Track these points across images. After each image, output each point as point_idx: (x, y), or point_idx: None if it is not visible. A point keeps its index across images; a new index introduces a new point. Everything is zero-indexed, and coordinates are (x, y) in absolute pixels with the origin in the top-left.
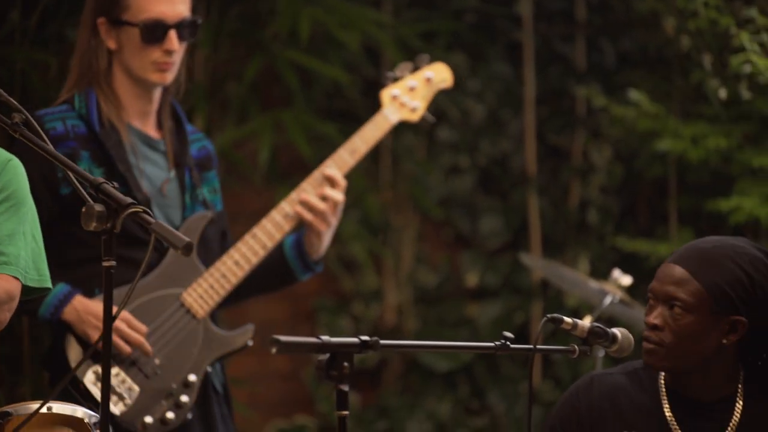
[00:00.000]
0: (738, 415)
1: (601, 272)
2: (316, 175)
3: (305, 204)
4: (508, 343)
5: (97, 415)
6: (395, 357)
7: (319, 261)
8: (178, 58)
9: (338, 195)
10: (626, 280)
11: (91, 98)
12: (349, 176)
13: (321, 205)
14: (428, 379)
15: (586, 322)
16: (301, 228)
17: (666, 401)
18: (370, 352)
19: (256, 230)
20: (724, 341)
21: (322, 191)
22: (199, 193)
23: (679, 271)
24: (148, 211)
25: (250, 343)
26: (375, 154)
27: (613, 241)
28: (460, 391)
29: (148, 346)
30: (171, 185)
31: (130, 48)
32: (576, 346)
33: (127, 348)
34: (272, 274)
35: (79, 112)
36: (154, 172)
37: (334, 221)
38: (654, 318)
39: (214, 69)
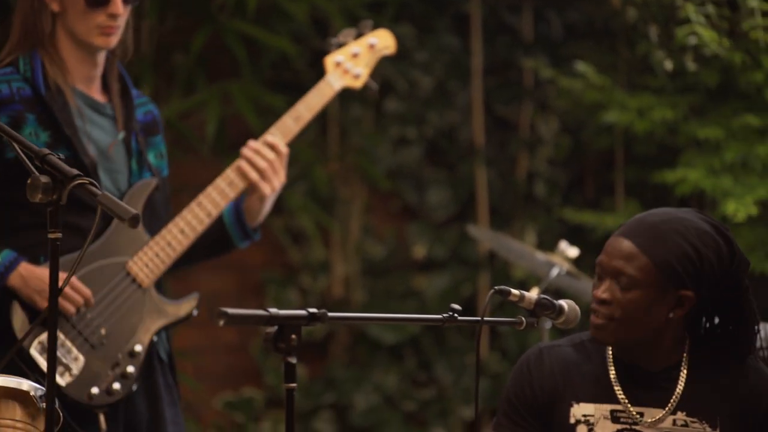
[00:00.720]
0: (683, 383)
1: (548, 244)
2: (260, 141)
3: (249, 160)
4: (455, 315)
5: (43, 388)
6: (342, 329)
7: (257, 229)
8: (122, 21)
9: (279, 159)
10: (573, 251)
11: (36, 61)
12: (297, 148)
13: (262, 163)
14: (375, 351)
15: (533, 293)
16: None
17: (613, 371)
18: (318, 324)
19: (202, 198)
20: (671, 315)
21: (264, 154)
22: (145, 158)
23: (627, 245)
24: (95, 183)
25: (195, 312)
26: (323, 125)
27: (560, 212)
28: (407, 363)
29: (92, 300)
30: (117, 149)
31: (73, 11)
32: (523, 318)
33: (71, 308)
34: (210, 241)
35: (24, 74)
36: (100, 136)
37: (277, 184)
38: (602, 292)
39: (160, 40)
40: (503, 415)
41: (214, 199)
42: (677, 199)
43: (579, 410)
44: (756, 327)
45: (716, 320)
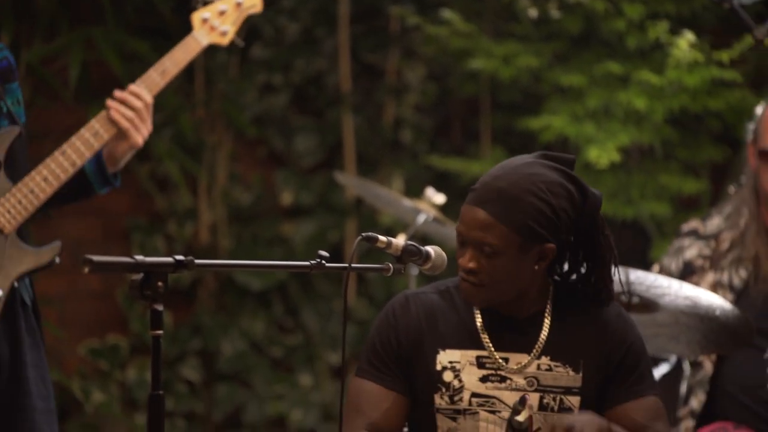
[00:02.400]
0: (547, 329)
1: (414, 191)
2: (126, 92)
3: (116, 110)
4: (322, 261)
5: None
6: (209, 276)
7: (117, 175)
8: None
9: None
10: (439, 198)
11: None
12: (163, 95)
13: (129, 113)
14: (242, 297)
15: (400, 240)
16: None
17: (479, 318)
18: (185, 271)
19: (66, 147)
20: (536, 267)
21: (131, 103)
22: (2, 105)
23: (483, 215)
24: None
25: (58, 260)
26: (188, 72)
27: (426, 159)
28: (274, 309)
29: None
30: None
31: None
32: (390, 264)
33: None
34: (70, 188)
35: None
36: None
37: (145, 133)
38: (468, 262)
39: None
40: (367, 362)
41: (79, 149)
42: (541, 145)
43: (445, 357)
44: (614, 265)
45: (575, 264)
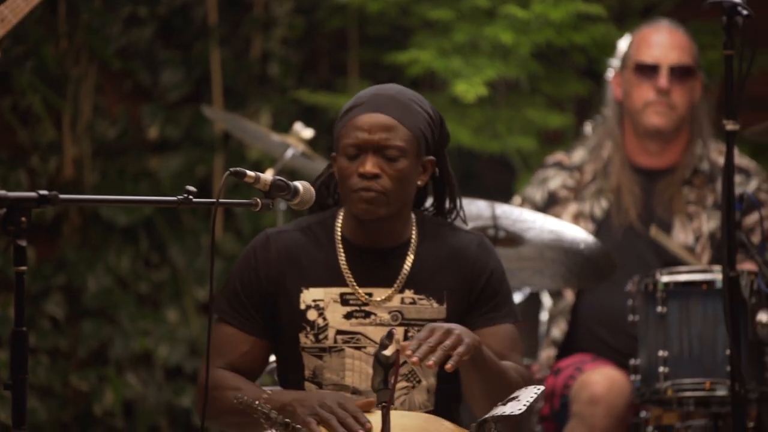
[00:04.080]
0: (410, 262)
1: (282, 125)
2: None
3: None
4: (190, 196)
5: None
6: (74, 211)
7: None
8: None
9: None
10: (308, 132)
11: None
12: (25, 25)
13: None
14: (108, 233)
15: (269, 175)
16: None
17: (342, 254)
18: (49, 206)
19: None
20: (419, 183)
21: None
22: None
23: (385, 118)
24: None
25: None
26: (51, 2)
27: (294, 93)
28: (140, 244)
29: None
30: None
31: None
32: (258, 200)
33: None
34: None
35: None
36: None
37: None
38: (372, 167)
39: None
40: (227, 304)
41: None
42: (409, 79)
43: (309, 295)
44: (457, 198)
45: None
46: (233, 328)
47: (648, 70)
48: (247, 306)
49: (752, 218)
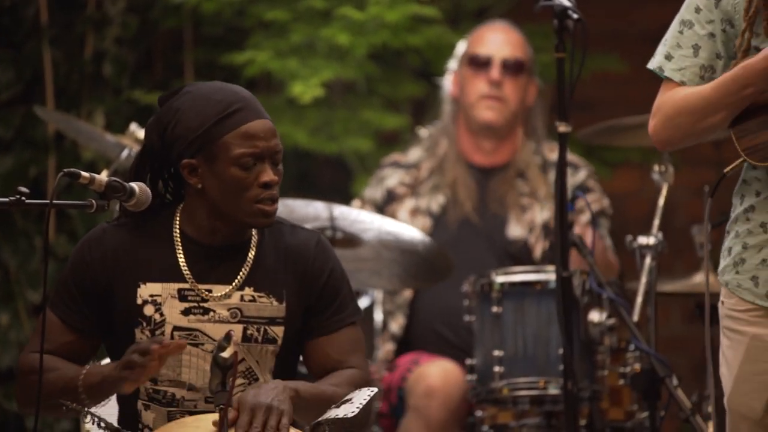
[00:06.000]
0: (251, 260)
1: (117, 126)
2: None
3: None
4: (22, 198)
5: None
6: None
7: None
8: None
9: None
10: (143, 133)
11: None
12: None
13: None
14: None
15: (104, 176)
16: None
17: (180, 250)
18: None
19: None
20: (200, 186)
21: None
22: None
23: (270, 123)
24: None
25: None
26: None
27: (128, 94)
28: None
29: None
30: None
31: None
32: (93, 201)
33: None
34: None
35: None
36: None
37: None
38: (275, 175)
39: None
40: (58, 295)
41: None
42: (246, 80)
43: (146, 290)
44: None
45: None
46: (58, 319)
47: (481, 63)
48: (77, 299)
49: (580, 203)
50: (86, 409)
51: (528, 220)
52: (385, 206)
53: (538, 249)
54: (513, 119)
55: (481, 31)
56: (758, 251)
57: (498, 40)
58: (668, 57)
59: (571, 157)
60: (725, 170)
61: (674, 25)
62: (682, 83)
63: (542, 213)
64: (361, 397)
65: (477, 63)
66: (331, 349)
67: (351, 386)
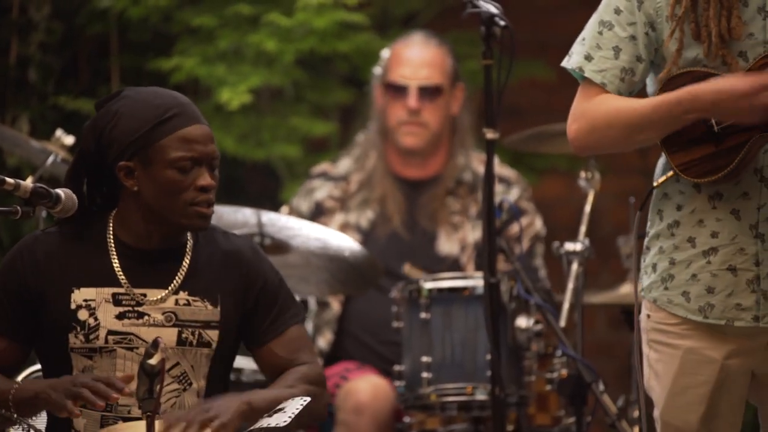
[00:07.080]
0: (186, 264)
1: (42, 132)
2: None
3: None
4: None
5: None
6: None
7: None
8: None
9: None
10: (69, 139)
11: None
12: None
13: None
14: None
15: (29, 182)
16: None
17: (114, 254)
18: None
19: None
20: (136, 188)
21: None
22: None
23: (207, 128)
24: None
25: None
26: None
27: (54, 100)
28: None
29: None
30: None
31: None
32: (18, 207)
33: None
34: None
35: None
36: None
37: None
38: (212, 179)
39: None
40: None
41: None
42: (173, 86)
43: (80, 295)
44: None
45: None
46: None
47: (398, 90)
48: (7, 308)
49: (515, 228)
50: (16, 416)
51: (459, 239)
52: (313, 219)
53: (470, 268)
54: (436, 139)
55: (398, 51)
56: (686, 266)
57: (414, 63)
58: (588, 57)
59: (504, 170)
60: (654, 185)
61: (592, 25)
62: (602, 85)
63: (474, 232)
64: (294, 406)
65: (394, 89)
66: (280, 350)
67: (304, 382)
